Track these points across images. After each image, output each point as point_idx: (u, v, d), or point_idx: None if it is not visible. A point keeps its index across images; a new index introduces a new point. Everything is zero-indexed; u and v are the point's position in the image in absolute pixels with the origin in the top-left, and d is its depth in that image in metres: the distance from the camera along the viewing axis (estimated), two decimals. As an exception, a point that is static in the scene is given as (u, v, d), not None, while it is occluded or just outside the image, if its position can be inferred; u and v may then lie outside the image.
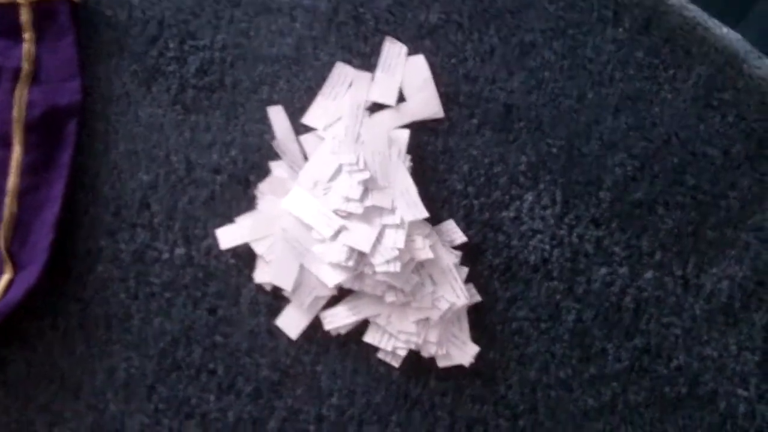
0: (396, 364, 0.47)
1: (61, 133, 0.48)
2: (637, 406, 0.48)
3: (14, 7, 0.47)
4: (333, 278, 0.45)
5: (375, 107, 0.48)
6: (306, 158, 0.48)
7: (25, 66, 0.48)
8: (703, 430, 0.48)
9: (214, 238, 0.48)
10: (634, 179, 0.49)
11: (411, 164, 0.47)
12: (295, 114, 0.49)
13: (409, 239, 0.45)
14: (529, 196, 0.48)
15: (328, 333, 0.47)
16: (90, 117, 0.49)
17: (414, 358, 0.47)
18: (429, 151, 0.49)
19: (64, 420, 0.47)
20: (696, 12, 0.49)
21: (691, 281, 0.48)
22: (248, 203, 0.49)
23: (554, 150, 0.49)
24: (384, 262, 0.44)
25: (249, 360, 0.48)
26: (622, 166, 0.49)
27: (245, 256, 0.48)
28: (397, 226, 0.45)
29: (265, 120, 0.49)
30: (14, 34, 0.48)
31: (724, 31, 0.49)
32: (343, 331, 0.47)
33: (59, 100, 0.48)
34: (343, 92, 0.48)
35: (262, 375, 0.48)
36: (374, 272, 0.45)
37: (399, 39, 0.48)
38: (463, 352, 0.47)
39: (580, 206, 0.49)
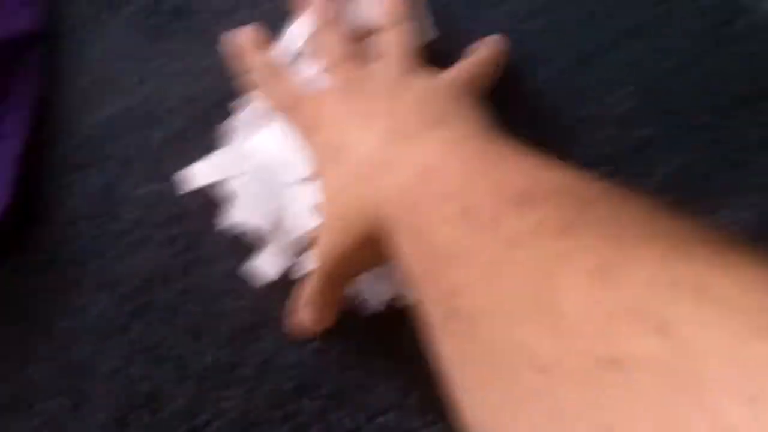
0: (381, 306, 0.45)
1: (21, 63, 0.45)
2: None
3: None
4: (311, 221, 0.42)
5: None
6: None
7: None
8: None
9: (186, 174, 0.45)
10: (638, 116, 0.45)
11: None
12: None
13: None
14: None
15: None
16: (53, 47, 0.45)
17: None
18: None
19: (36, 359, 0.46)
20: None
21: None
22: (221, 135, 0.45)
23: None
24: None
25: (225, 301, 0.45)
26: (623, 102, 0.45)
27: (218, 194, 0.45)
28: None
29: (240, 46, 0.45)
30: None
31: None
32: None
33: (15, 27, 0.45)
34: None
35: (238, 317, 0.45)
36: None
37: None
38: None
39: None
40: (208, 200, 0.46)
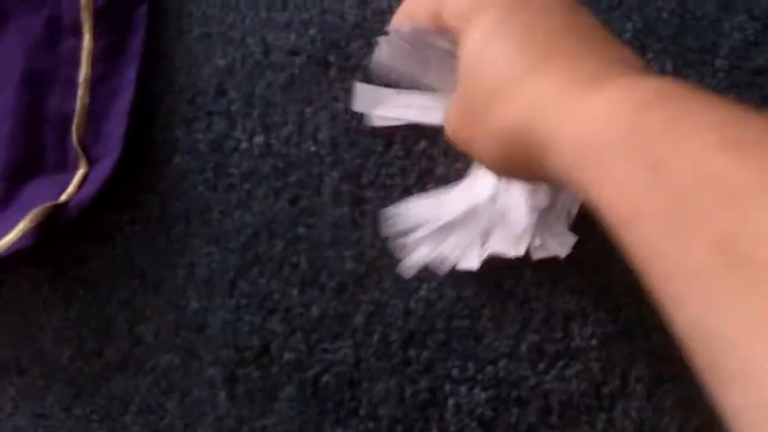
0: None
1: (131, 18, 0.46)
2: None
3: None
4: None
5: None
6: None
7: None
8: None
9: (295, 125, 0.45)
10: (755, 44, 0.44)
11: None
12: None
13: None
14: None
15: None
16: (159, 3, 0.46)
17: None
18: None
19: (145, 317, 0.46)
20: None
21: None
22: (328, 86, 0.45)
23: (664, 14, 0.44)
24: None
25: (333, 252, 0.45)
26: (742, 29, 0.44)
27: (327, 143, 0.45)
28: None
29: (344, -3, 0.46)
30: None
31: None
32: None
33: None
34: None
35: (346, 268, 0.45)
36: None
37: None
38: (561, 242, 0.43)
39: (693, 76, 0.44)
40: (316, 150, 0.46)
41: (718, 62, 0.44)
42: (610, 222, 0.25)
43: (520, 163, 0.30)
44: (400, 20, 0.37)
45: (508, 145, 0.30)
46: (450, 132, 0.34)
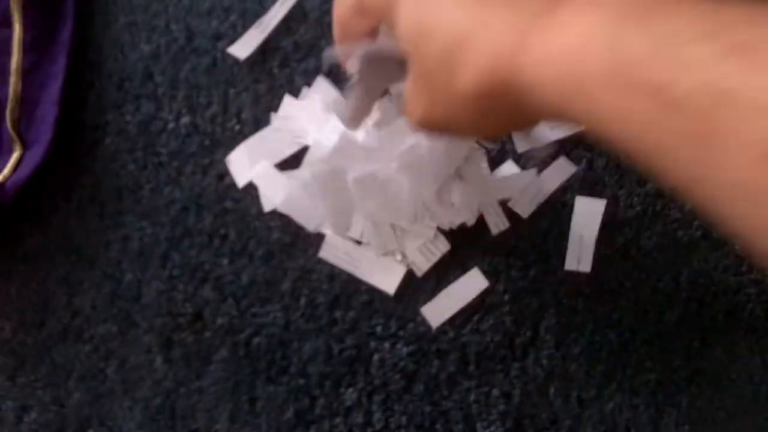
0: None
1: (60, 8, 0.49)
2: (650, 251, 0.47)
3: None
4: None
5: None
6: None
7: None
8: (719, 271, 0.47)
9: (219, 105, 0.48)
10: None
11: None
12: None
13: None
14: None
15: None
16: (86, -8, 0.49)
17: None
18: None
19: (83, 290, 0.48)
20: None
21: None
22: (250, 69, 0.48)
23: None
24: None
25: (260, 224, 0.48)
26: None
27: (250, 121, 0.48)
28: None
29: (261, -17, 0.49)
30: None
31: None
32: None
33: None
34: None
35: (273, 237, 0.48)
36: None
37: None
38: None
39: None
40: (240, 128, 0.49)
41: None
42: (625, 154, 0.23)
43: (501, 116, 0.28)
44: (339, 32, 0.34)
45: (483, 102, 0.27)
46: (416, 120, 0.31)
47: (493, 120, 0.28)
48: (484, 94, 0.27)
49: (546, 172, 0.47)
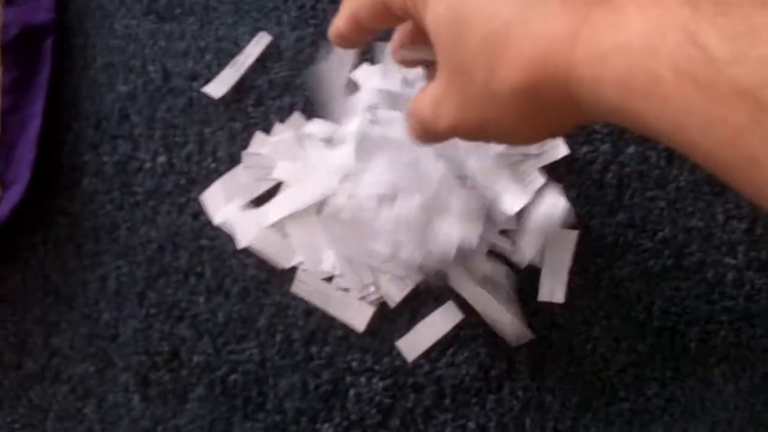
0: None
1: (38, 51, 0.50)
2: (622, 281, 0.48)
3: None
4: None
5: None
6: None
7: (-2, -12, 0.49)
8: (691, 299, 0.47)
9: (194, 144, 0.49)
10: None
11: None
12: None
13: None
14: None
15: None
16: (66, 33, 0.50)
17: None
18: None
19: (61, 330, 0.49)
20: None
21: (675, 153, 0.48)
22: (225, 108, 0.49)
23: None
24: None
25: (235, 261, 0.49)
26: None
27: (225, 159, 0.49)
28: None
29: (237, 24, 0.50)
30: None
31: None
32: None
33: (33, 18, 0.49)
34: None
35: (249, 274, 0.48)
36: None
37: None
38: None
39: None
40: (215, 166, 0.49)
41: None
42: (704, 163, 0.21)
43: (545, 117, 0.26)
44: (350, 30, 0.32)
45: (525, 101, 0.25)
46: (447, 123, 0.28)
47: (535, 121, 0.26)
48: (528, 92, 0.24)
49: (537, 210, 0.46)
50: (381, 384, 0.47)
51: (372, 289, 0.47)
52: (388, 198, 0.44)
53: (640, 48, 0.21)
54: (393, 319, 0.47)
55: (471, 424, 0.47)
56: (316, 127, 0.47)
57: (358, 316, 0.47)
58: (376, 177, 0.44)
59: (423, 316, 0.47)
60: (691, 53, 0.20)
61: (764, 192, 0.20)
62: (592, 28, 0.23)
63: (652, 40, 0.21)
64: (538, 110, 0.25)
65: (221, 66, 0.49)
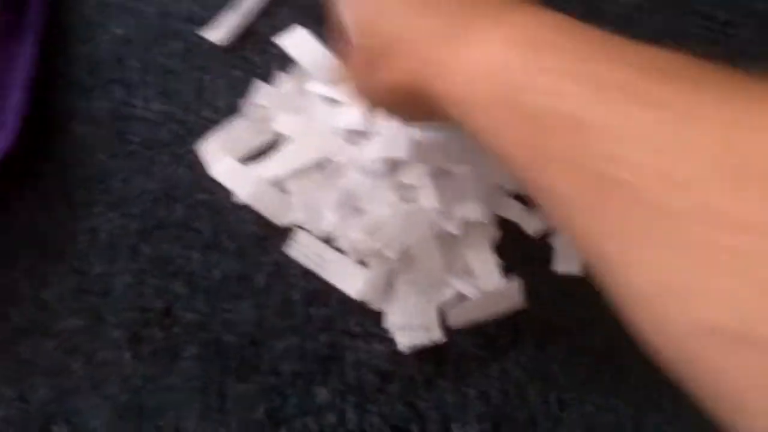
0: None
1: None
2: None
3: None
4: None
5: None
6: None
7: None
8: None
9: (193, 92, 0.47)
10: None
11: None
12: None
13: None
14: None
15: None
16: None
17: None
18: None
19: (49, 283, 0.47)
20: None
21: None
22: (225, 54, 0.47)
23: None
24: None
25: (234, 217, 0.46)
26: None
27: (224, 109, 0.47)
28: None
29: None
30: None
31: None
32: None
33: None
34: None
35: (247, 231, 0.46)
36: None
37: None
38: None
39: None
40: (216, 117, 0.47)
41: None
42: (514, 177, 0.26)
43: (416, 110, 0.32)
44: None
45: (399, 97, 0.31)
46: (356, 87, 0.35)
47: (409, 109, 0.33)
48: (400, 92, 0.31)
49: None
50: (380, 348, 0.46)
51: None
52: (393, 163, 0.42)
53: (468, 72, 0.27)
54: (396, 283, 0.45)
55: (472, 392, 0.45)
56: (319, 87, 0.45)
57: (353, 283, 0.45)
58: (384, 140, 0.42)
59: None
60: (498, 79, 0.25)
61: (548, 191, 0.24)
62: (446, 50, 0.28)
63: (479, 66, 0.26)
64: (411, 104, 0.31)
65: (222, 8, 0.47)
